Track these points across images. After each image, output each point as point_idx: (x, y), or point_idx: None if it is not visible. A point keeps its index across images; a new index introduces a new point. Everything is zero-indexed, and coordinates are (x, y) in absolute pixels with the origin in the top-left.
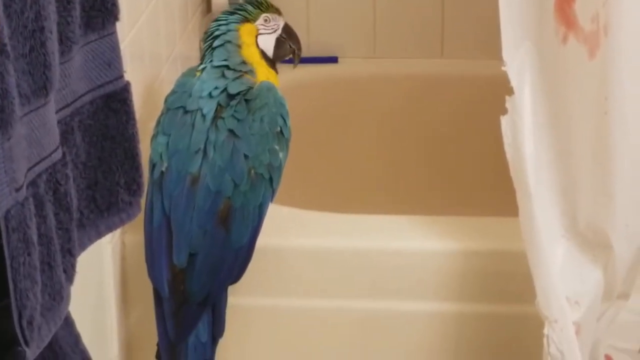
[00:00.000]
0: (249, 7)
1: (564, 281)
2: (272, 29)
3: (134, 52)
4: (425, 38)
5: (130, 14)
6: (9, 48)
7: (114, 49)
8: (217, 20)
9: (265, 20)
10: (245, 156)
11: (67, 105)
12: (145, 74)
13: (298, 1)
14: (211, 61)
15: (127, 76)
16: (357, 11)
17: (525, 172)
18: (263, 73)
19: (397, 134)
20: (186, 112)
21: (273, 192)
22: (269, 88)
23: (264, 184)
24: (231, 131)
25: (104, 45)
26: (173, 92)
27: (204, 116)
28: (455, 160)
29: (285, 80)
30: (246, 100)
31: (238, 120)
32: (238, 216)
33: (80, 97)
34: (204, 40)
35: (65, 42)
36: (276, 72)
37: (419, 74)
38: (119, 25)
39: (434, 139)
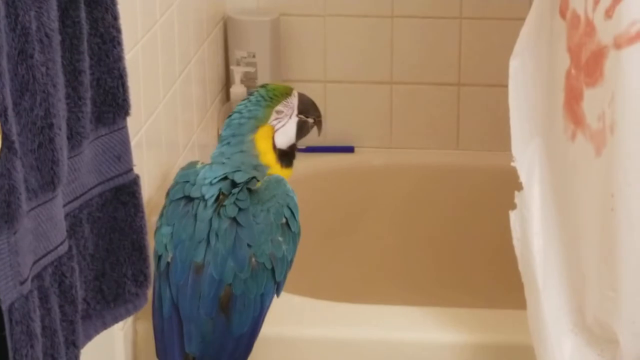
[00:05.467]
0: (260, 112)
1: None
2: (287, 114)
3: (151, 140)
4: (441, 130)
5: (147, 103)
6: (17, 145)
7: (124, 143)
8: (230, 126)
9: (278, 112)
10: (248, 245)
11: (77, 198)
12: (162, 161)
13: (315, 91)
14: (223, 163)
15: (142, 165)
16: (374, 102)
17: (534, 266)
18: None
19: (411, 224)
20: (189, 201)
21: (278, 285)
22: (278, 180)
23: (265, 274)
24: (234, 219)
25: (115, 140)
26: (175, 184)
27: (205, 202)
28: (468, 251)
29: (302, 168)
30: (249, 190)
31: (240, 209)
32: (239, 304)
33: (89, 189)
34: (220, 141)
35: (75, 137)
36: (291, 165)
37: (434, 165)
38: (136, 113)
39: (447, 229)
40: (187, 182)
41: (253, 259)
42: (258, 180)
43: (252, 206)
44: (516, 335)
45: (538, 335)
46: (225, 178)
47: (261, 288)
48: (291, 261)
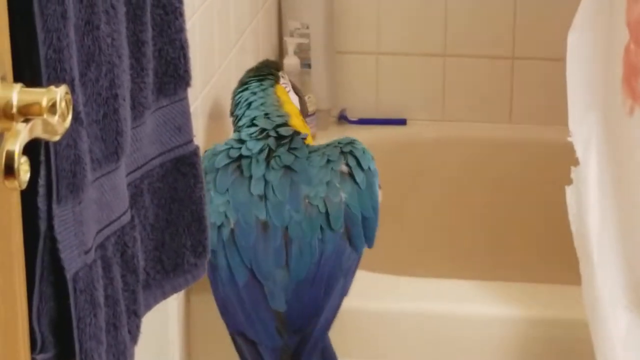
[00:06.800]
0: (272, 71)
1: (627, 353)
2: (288, 84)
3: (206, 110)
4: (494, 103)
5: (203, 72)
6: (83, 115)
7: (185, 113)
8: (246, 89)
9: (283, 78)
10: (303, 187)
11: (138, 168)
12: (217, 131)
13: (368, 63)
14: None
15: (199, 133)
16: (427, 74)
17: (590, 242)
18: (300, 127)
19: (463, 197)
20: (237, 164)
21: (339, 235)
22: (350, 138)
23: (320, 218)
24: (287, 167)
25: (175, 111)
26: (211, 156)
27: (257, 157)
28: (519, 226)
29: None
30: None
31: (296, 156)
32: (295, 248)
33: (150, 160)
34: (237, 108)
35: (137, 108)
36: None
37: (486, 138)
38: (192, 82)
39: (498, 203)
40: (230, 147)
41: (306, 201)
42: (303, 137)
43: (311, 153)
44: (571, 310)
45: (593, 310)
46: (268, 135)
47: (317, 233)
48: (368, 217)
